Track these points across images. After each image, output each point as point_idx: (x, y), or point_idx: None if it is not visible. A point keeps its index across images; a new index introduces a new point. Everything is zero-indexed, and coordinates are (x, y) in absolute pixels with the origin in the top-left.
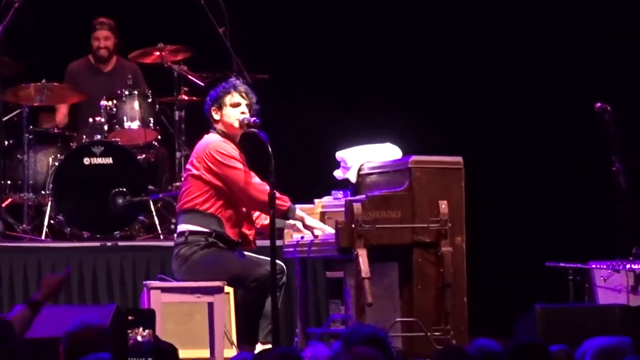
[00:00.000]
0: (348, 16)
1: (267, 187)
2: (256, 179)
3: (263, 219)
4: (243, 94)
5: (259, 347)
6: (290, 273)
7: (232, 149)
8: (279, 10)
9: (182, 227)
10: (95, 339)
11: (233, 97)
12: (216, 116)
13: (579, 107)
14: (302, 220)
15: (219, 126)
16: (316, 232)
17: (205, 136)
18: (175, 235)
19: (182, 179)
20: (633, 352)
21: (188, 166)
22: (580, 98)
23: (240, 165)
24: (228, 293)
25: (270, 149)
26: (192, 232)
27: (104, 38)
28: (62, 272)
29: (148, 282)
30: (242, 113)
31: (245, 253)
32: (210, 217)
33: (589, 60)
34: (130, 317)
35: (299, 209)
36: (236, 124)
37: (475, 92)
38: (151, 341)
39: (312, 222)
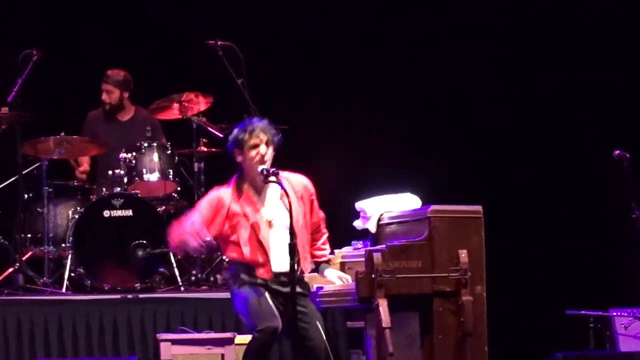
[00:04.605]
0: (365, 66)
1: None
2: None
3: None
4: (259, 134)
5: None
6: None
7: (212, 196)
8: (297, 60)
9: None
10: None
11: (251, 140)
12: (239, 159)
13: (598, 154)
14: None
15: (244, 167)
16: (337, 282)
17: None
18: None
19: None
20: None
21: None
22: (601, 145)
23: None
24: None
25: (290, 199)
26: (230, 261)
27: (106, 92)
28: None
29: (159, 334)
30: (262, 154)
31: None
32: (235, 264)
33: (611, 108)
34: None
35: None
36: (258, 166)
37: (493, 140)
38: None
39: (331, 276)
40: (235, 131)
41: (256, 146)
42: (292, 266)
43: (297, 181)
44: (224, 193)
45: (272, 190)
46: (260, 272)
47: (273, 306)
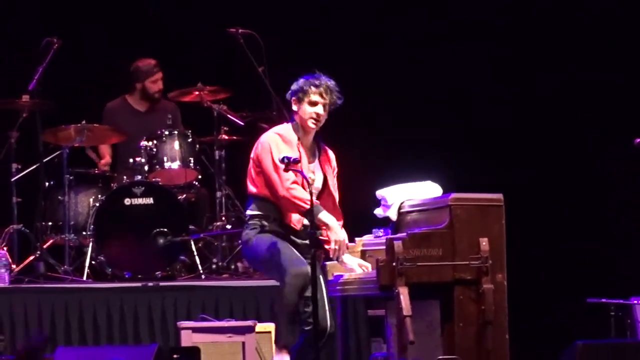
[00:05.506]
0: (383, 55)
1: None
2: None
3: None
4: (322, 93)
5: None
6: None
7: (273, 142)
8: (318, 47)
9: (247, 212)
10: None
11: (312, 96)
12: (294, 107)
13: (618, 142)
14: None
15: (297, 117)
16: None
17: (280, 125)
18: None
19: None
20: None
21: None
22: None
23: (268, 158)
24: (270, 332)
25: (310, 187)
26: (252, 217)
27: (161, 79)
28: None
29: (180, 322)
30: (317, 114)
31: (298, 242)
32: (266, 202)
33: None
34: (175, 356)
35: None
36: (310, 123)
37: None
38: None
39: (351, 262)
40: (301, 80)
41: (315, 104)
42: (311, 222)
43: (330, 152)
44: (285, 130)
45: (315, 149)
46: (293, 220)
47: (298, 253)
